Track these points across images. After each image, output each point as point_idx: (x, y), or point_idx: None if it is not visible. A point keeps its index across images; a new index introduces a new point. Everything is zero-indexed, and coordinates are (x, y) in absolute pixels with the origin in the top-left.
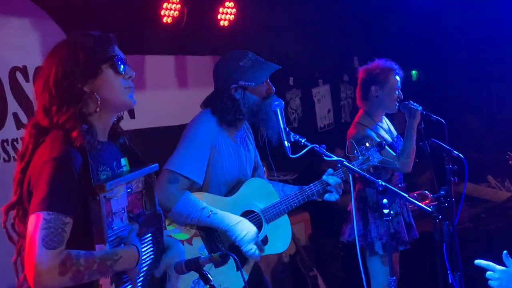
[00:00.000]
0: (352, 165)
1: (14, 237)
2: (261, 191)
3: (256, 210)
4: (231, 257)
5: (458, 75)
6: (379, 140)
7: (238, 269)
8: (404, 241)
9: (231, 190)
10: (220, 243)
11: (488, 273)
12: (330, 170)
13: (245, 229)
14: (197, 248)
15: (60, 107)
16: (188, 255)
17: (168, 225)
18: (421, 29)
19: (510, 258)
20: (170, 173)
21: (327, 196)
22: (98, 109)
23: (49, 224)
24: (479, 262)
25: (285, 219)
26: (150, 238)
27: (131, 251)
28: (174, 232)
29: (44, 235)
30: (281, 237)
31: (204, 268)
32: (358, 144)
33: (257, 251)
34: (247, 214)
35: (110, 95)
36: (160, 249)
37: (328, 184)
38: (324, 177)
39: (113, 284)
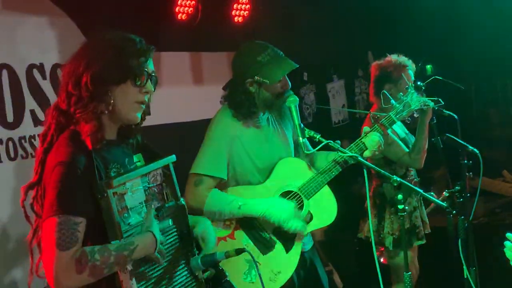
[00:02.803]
0: (389, 116)
1: (31, 217)
2: (295, 170)
3: (293, 189)
4: (276, 242)
5: (473, 70)
6: (393, 134)
7: (255, 263)
8: (422, 236)
9: (268, 175)
10: (262, 230)
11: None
12: (366, 128)
13: (278, 211)
14: (240, 241)
15: (80, 100)
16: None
17: None
18: (436, 23)
19: None
20: (195, 176)
21: (365, 154)
22: (107, 112)
23: (61, 226)
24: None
25: (326, 191)
26: (175, 229)
27: (147, 237)
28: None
29: (57, 237)
30: (325, 209)
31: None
32: None
33: (299, 225)
34: (285, 196)
35: (120, 103)
36: (187, 239)
37: (365, 147)
38: (363, 139)
39: (133, 279)
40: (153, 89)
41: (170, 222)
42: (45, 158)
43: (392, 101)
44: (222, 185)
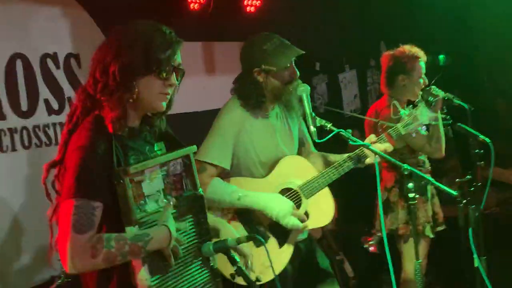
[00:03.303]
0: (396, 128)
1: (52, 194)
2: (298, 168)
3: (293, 187)
4: (270, 236)
5: (486, 59)
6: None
7: (266, 249)
8: (441, 222)
9: (270, 169)
10: (258, 223)
11: None
12: (372, 137)
13: (276, 206)
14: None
15: (106, 87)
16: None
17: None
18: (448, 13)
19: None
20: (198, 163)
21: (367, 160)
22: (131, 100)
23: (79, 210)
24: None
25: (325, 192)
26: (191, 219)
27: (162, 231)
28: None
29: (74, 220)
30: (323, 210)
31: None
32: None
33: (296, 222)
34: (284, 193)
35: (145, 94)
36: (204, 230)
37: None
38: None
39: (145, 265)
40: (177, 83)
41: (188, 223)
42: (69, 139)
43: (401, 112)
44: (225, 175)
